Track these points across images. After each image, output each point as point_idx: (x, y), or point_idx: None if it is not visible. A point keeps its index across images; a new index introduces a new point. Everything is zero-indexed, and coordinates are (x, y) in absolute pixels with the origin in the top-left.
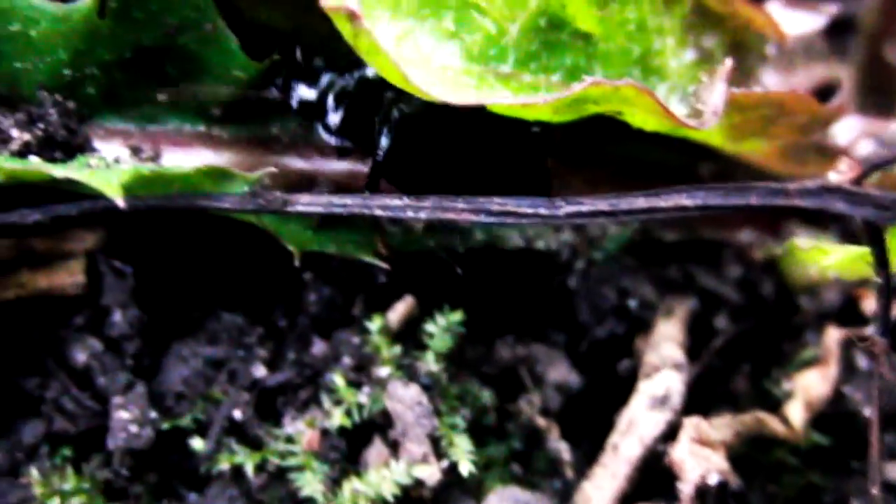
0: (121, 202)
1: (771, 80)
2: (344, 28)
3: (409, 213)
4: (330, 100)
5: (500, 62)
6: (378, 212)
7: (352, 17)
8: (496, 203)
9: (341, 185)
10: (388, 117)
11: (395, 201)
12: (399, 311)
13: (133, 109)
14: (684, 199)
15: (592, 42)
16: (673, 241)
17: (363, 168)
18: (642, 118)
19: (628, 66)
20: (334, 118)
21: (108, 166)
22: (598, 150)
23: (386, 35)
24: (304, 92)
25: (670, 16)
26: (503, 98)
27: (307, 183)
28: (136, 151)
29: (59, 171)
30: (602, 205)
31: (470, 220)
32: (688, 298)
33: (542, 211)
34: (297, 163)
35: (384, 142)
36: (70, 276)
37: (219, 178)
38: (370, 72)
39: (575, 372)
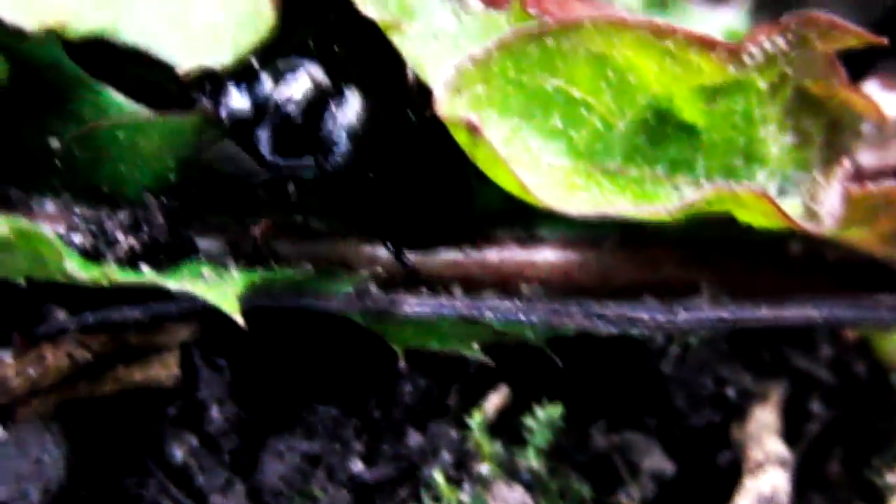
0: (240, 320)
1: (866, 159)
2: (460, 138)
3: (521, 317)
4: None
5: (606, 157)
6: (488, 314)
7: (471, 129)
8: (611, 309)
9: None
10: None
11: (507, 304)
12: (494, 401)
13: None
14: (811, 311)
15: (697, 133)
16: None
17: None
18: (755, 218)
19: (731, 156)
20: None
21: (220, 275)
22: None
23: (495, 136)
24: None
25: (773, 103)
26: (623, 208)
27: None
28: (234, 246)
29: (173, 283)
30: (723, 313)
31: (584, 325)
32: (781, 381)
33: (660, 317)
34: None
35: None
36: (165, 370)
37: (325, 277)
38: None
39: (669, 460)
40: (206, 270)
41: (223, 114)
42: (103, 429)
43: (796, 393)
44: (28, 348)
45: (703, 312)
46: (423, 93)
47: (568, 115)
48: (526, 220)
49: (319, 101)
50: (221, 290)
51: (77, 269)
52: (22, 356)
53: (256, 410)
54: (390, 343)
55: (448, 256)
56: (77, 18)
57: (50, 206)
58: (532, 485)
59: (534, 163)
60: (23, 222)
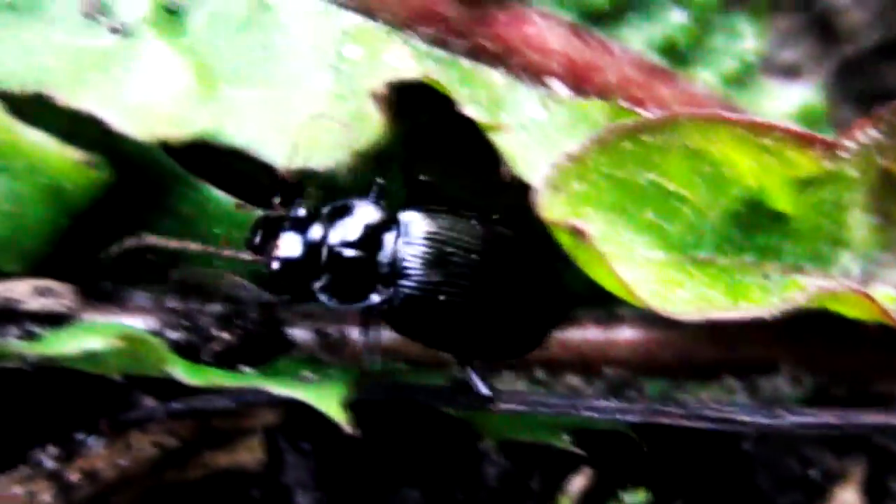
0: (349, 429)
1: None
2: (563, 239)
3: (618, 416)
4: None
5: (697, 248)
6: (585, 413)
7: (576, 233)
8: (712, 409)
9: None
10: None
11: (604, 403)
12: (578, 484)
13: None
14: None
15: (786, 221)
16: (844, 397)
17: None
18: (850, 311)
19: (819, 242)
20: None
21: (318, 373)
22: None
23: (593, 233)
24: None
25: (860, 188)
26: (726, 310)
27: None
28: (323, 336)
29: (276, 387)
30: (829, 417)
31: (683, 425)
32: (861, 458)
33: (763, 420)
34: None
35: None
36: (250, 454)
37: (419, 371)
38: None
39: None
40: (306, 372)
41: (274, 265)
42: None
43: (876, 471)
44: (116, 436)
45: (808, 417)
46: (518, 188)
47: (661, 207)
48: (605, 299)
49: (374, 238)
50: (325, 394)
51: (182, 373)
52: (111, 445)
53: (341, 495)
54: (481, 433)
55: None
56: (182, 124)
57: (141, 300)
58: None
59: (628, 256)
60: (130, 329)
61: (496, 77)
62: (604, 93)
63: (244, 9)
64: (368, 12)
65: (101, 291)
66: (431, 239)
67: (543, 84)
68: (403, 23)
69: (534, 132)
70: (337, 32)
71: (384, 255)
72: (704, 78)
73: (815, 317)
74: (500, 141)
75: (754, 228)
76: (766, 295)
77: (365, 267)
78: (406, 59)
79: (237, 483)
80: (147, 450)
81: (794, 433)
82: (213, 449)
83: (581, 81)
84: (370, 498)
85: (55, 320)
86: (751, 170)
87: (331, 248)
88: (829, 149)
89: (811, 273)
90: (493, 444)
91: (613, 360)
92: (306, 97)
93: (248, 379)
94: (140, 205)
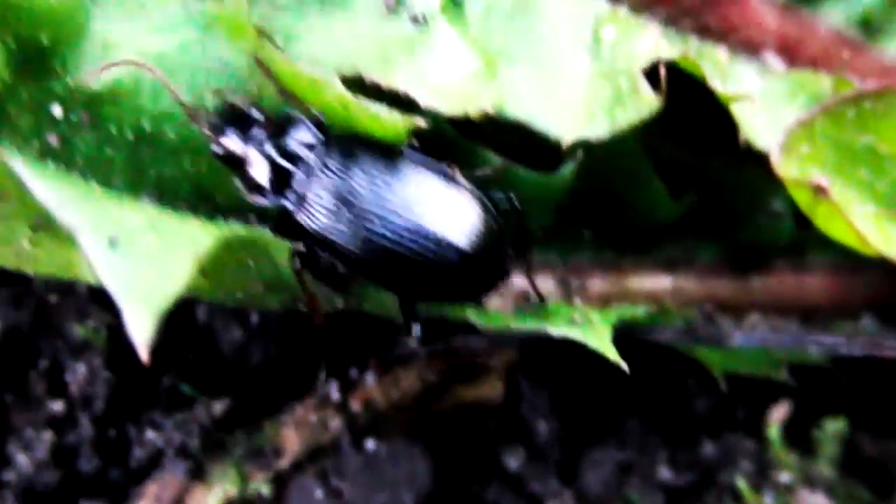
0: (621, 362)
1: None
2: (800, 196)
3: (843, 350)
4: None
5: None
6: (812, 347)
7: (818, 190)
8: None
9: None
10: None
11: (829, 339)
12: (781, 413)
13: (559, 245)
14: None
15: None
16: None
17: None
18: None
19: None
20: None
21: (585, 318)
22: None
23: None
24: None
25: None
26: None
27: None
28: (564, 284)
29: (555, 329)
30: None
31: None
32: None
33: None
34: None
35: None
36: (493, 389)
37: (660, 314)
38: None
39: None
40: (575, 314)
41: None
42: (448, 441)
43: None
44: (384, 372)
45: None
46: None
47: (874, 167)
48: (799, 248)
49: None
50: (596, 334)
51: (477, 318)
52: (382, 378)
53: (573, 425)
54: (708, 366)
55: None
56: (476, 100)
57: None
58: (830, 491)
59: (849, 210)
60: None
61: (720, 53)
62: (810, 64)
63: None
64: None
65: None
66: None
67: (759, 58)
68: (644, 6)
69: (757, 102)
70: (590, 17)
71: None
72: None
73: None
74: (738, 111)
75: None
76: None
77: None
78: (659, 39)
79: (480, 414)
80: (412, 384)
81: None
82: (461, 384)
83: (792, 55)
84: (598, 426)
85: None
86: None
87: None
88: None
89: None
90: (695, 380)
91: (806, 303)
92: (571, 75)
93: (527, 322)
94: None
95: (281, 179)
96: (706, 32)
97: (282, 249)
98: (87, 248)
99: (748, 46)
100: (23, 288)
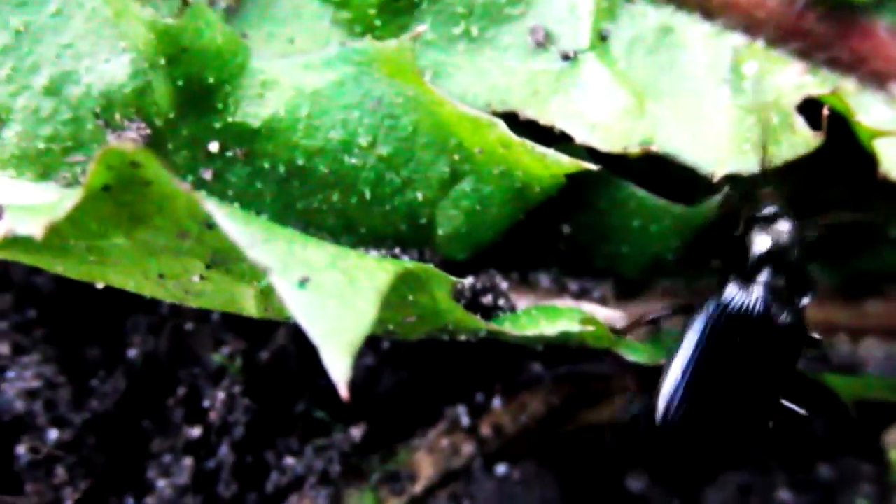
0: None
1: None
2: None
3: None
4: None
5: None
6: None
7: None
8: None
9: None
10: None
11: None
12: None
13: (688, 272)
14: None
15: None
16: None
17: None
18: None
19: None
20: None
21: None
22: None
23: None
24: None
25: None
26: None
27: None
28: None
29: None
30: None
31: None
32: None
33: None
34: None
35: None
36: (616, 413)
37: None
38: None
39: None
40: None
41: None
42: (574, 464)
43: None
44: (511, 396)
45: None
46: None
47: None
48: None
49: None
50: None
51: (626, 352)
52: (509, 404)
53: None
54: (837, 392)
55: None
56: (628, 137)
57: (545, 281)
58: None
59: None
60: (588, 314)
61: (849, 84)
62: None
63: (653, 33)
64: (749, 31)
65: (524, 279)
66: None
67: (886, 89)
68: (779, 39)
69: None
70: (728, 50)
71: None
72: None
73: None
74: (878, 145)
75: None
76: None
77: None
78: (803, 75)
79: (604, 438)
80: (538, 408)
81: None
82: (585, 408)
83: None
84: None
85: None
86: None
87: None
88: None
89: None
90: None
91: None
92: (712, 109)
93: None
94: (564, 200)
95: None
96: (837, 64)
97: (443, 283)
98: (280, 288)
99: (877, 77)
100: (157, 316)
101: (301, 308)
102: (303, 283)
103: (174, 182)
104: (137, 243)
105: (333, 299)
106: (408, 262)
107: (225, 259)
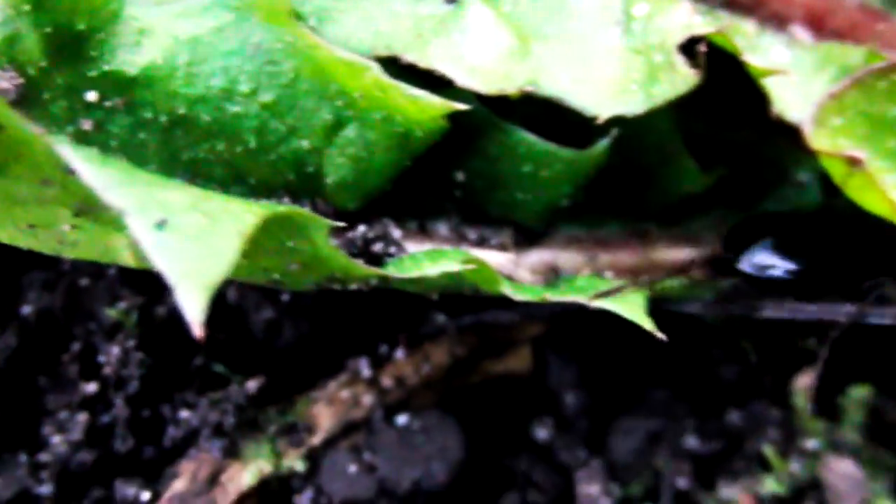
0: (657, 332)
1: None
2: (834, 168)
3: (873, 320)
4: None
5: None
6: (841, 318)
7: (852, 161)
8: None
9: None
10: None
11: (854, 309)
12: (805, 381)
13: (588, 219)
14: None
15: None
16: None
17: None
18: None
19: None
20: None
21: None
22: None
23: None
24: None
25: None
26: None
27: None
28: (593, 257)
29: (584, 299)
30: None
31: None
32: None
33: None
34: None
35: None
36: (520, 362)
37: (695, 285)
38: None
39: None
40: (602, 285)
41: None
42: (478, 414)
43: None
44: (414, 348)
45: None
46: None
47: None
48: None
49: None
50: (630, 304)
51: (512, 291)
52: (413, 354)
53: (602, 395)
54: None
55: None
56: (510, 79)
57: (443, 229)
58: (856, 456)
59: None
60: (472, 255)
61: (748, 26)
62: (836, 35)
63: None
64: None
65: (422, 228)
66: None
67: (786, 31)
68: None
69: (785, 74)
70: None
71: None
72: None
73: None
74: (769, 85)
75: None
76: None
77: None
78: (691, 14)
79: (509, 387)
80: (442, 359)
81: None
82: (490, 358)
83: (819, 27)
84: (626, 397)
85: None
86: None
87: None
88: None
89: None
90: (721, 350)
91: None
92: (601, 51)
93: (559, 292)
94: (452, 146)
95: None
96: (735, 6)
97: (320, 228)
98: (136, 230)
99: (776, 19)
100: (54, 273)
101: (156, 249)
102: (160, 224)
103: (28, 127)
104: (0, 193)
105: (192, 241)
106: (280, 207)
107: (92, 207)
